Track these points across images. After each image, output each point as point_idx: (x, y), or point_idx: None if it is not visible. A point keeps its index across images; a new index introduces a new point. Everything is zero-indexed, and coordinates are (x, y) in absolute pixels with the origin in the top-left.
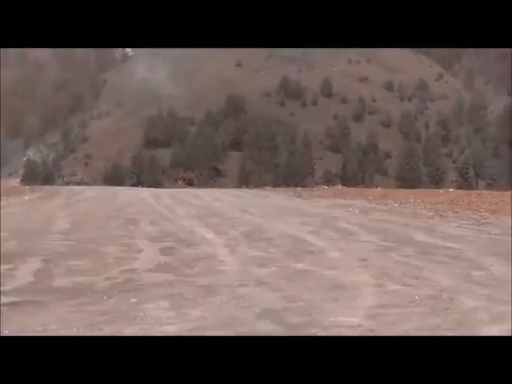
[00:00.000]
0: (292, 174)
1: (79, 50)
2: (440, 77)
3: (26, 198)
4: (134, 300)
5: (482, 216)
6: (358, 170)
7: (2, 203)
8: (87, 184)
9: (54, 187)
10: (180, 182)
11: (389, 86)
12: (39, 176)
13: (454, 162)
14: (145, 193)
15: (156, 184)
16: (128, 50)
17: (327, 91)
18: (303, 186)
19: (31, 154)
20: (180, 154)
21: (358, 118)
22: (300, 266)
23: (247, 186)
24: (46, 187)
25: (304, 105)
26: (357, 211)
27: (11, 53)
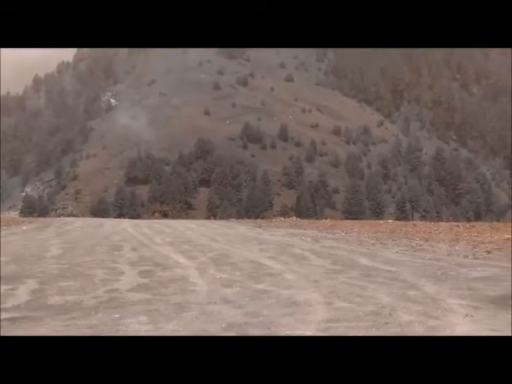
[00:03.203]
0: (253, 207)
1: (69, 100)
2: (381, 123)
3: (24, 227)
4: (117, 315)
5: (416, 244)
6: (310, 204)
7: (3, 232)
8: (77, 216)
9: (48, 218)
10: (157, 214)
11: (336, 132)
12: (35, 209)
13: (392, 197)
14: (126, 223)
15: (136, 216)
16: (112, 100)
17: (283, 136)
18: (263, 218)
19: (29, 189)
20: (157, 190)
21: (310, 159)
22: (260, 286)
23: (214, 218)
24: (41, 219)
25: (263, 148)
26: (309, 239)
27: (11, 101)
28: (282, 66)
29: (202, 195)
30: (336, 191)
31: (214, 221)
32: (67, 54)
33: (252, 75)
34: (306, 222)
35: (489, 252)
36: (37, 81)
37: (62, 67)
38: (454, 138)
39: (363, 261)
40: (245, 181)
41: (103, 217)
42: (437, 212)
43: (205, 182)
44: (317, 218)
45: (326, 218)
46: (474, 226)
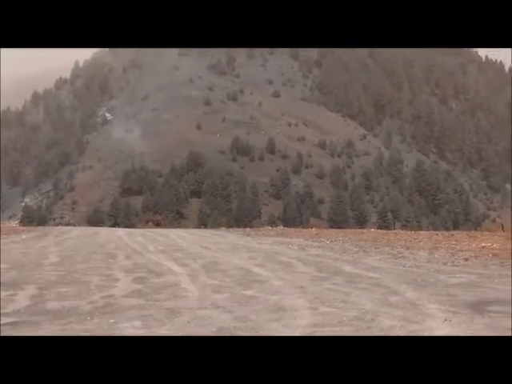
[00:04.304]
0: (242, 216)
1: (67, 115)
2: (364, 137)
3: (24, 236)
4: (112, 320)
5: (398, 251)
6: (296, 214)
7: (3, 241)
8: (73, 225)
9: (47, 228)
10: (150, 223)
11: (322, 145)
12: (34, 218)
13: (375, 207)
14: (121, 232)
15: (130, 225)
16: (107, 115)
17: (271, 149)
18: (251, 227)
19: (28, 200)
20: (150, 200)
21: (296, 170)
22: (249, 292)
23: (205, 227)
24: (40, 228)
25: (252, 160)
26: (295, 247)
27: (11, 116)
28: (270, 82)
29: (194, 205)
30: (321, 201)
31: (205, 230)
32: (65, 70)
33: (241, 91)
34: (292, 230)
35: (466, 259)
36: (36, 96)
37: (60, 83)
38: (434, 150)
39: (347, 268)
40: (234, 192)
41: (99, 226)
42: (417, 221)
43: (196, 193)
44: (303, 227)
45: (311, 227)
46: (452, 235)
